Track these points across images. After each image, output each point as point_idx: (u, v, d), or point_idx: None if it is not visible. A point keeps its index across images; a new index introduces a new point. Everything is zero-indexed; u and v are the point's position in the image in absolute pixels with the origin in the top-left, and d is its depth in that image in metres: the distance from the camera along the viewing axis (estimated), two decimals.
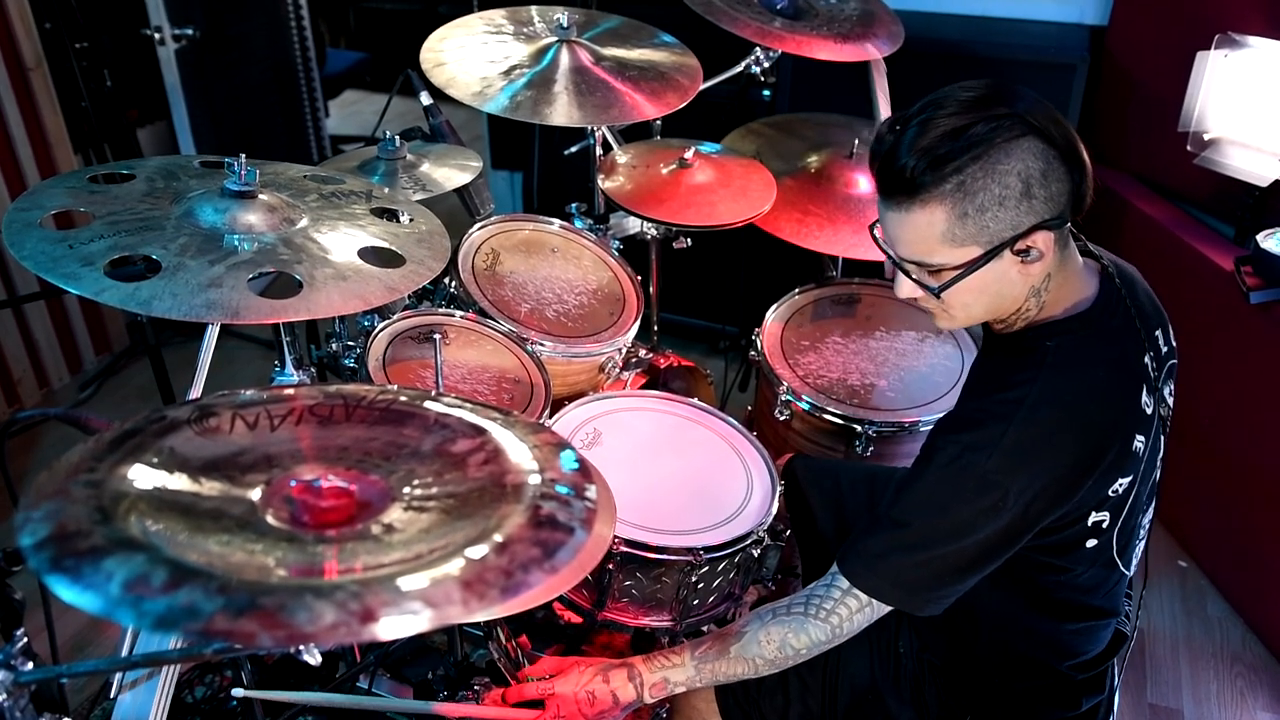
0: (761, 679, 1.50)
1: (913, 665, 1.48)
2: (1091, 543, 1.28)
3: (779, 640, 1.30)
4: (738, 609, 2.03)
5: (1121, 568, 1.34)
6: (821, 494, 1.82)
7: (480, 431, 1.07)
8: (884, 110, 1.96)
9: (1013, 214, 1.16)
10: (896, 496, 1.26)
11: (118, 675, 1.34)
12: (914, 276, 1.25)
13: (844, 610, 1.26)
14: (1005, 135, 1.13)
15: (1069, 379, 1.21)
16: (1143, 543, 1.40)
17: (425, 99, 2.18)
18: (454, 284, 2.01)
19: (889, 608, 1.26)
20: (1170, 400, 1.33)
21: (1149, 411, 1.25)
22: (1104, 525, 1.27)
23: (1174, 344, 1.35)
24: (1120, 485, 1.24)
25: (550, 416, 1.85)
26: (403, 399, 1.12)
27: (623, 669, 1.37)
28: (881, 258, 2.17)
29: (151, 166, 1.51)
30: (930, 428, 1.93)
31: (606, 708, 1.36)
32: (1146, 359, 1.26)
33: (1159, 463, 1.34)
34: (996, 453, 1.18)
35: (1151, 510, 1.38)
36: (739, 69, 2.40)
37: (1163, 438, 1.33)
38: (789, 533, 1.82)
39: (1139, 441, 1.24)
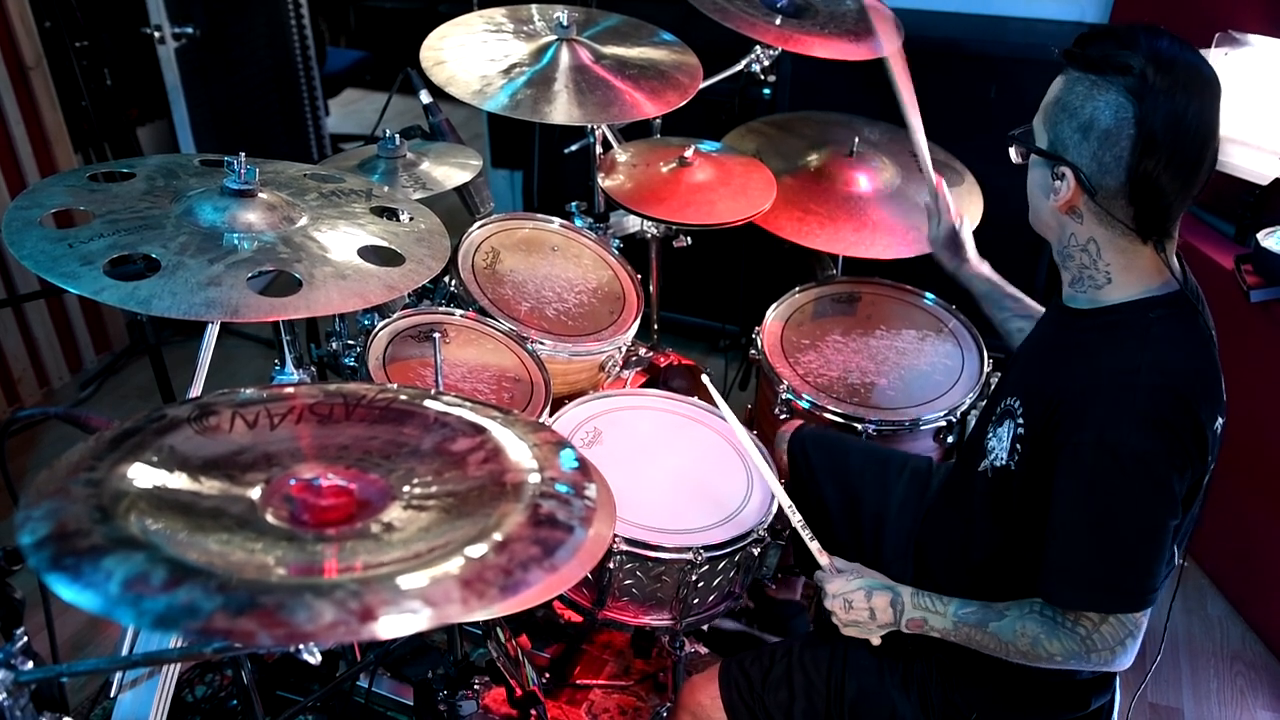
0: (766, 674, 1.51)
1: (920, 664, 1.48)
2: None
3: (1032, 637, 1.29)
4: (738, 608, 2.03)
5: (1177, 558, 1.34)
6: (830, 467, 1.79)
7: (480, 430, 1.07)
8: (909, 102, 1.93)
9: (1067, 133, 1.23)
10: (1056, 515, 1.25)
11: (118, 674, 1.34)
12: (1024, 136, 1.33)
13: (1087, 623, 1.25)
14: (1120, 80, 1.18)
15: (1176, 348, 1.23)
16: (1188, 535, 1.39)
17: (425, 97, 2.18)
18: (454, 282, 2.01)
19: (1132, 613, 1.23)
20: None
21: (1224, 399, 1.28)
22: (1190, 511, 1.28)
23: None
24: (1206, 468, 1.25)
25: (550, 415, 1.85)
26: (402, 398, 1.12)
27: (888, 593, 1.42)
28: (880, 257, 2.18)
29: (151, 165, 1.50)
30: (931, 426, 1.95)
31: (862, 620, 1.43)
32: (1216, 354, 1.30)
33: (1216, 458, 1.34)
34: (1133, 426, 1.18)
35: (1203, 504, 1.37)
36: (739, 67, 2.40)
37: None
38: (789, 531, 1.81)
39: (1219, 424, 1.26)
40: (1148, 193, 1.20)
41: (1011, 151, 1.35)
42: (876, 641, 1.45)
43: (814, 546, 1.54)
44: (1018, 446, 1.31)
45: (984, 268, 1.79)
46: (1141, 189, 1.20)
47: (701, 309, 3.34)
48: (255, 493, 0.92)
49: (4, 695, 0.91)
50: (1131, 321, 1.26)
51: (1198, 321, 1.26)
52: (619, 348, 2.09)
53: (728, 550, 1.62)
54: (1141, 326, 1.25)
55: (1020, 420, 1.31)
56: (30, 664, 0.94)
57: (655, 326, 2.58)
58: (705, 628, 2.06)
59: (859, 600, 1.43)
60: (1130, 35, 1.20)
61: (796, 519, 1.56)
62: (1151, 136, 1.16)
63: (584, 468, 1.03)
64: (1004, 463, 1.34)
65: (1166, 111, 1.16)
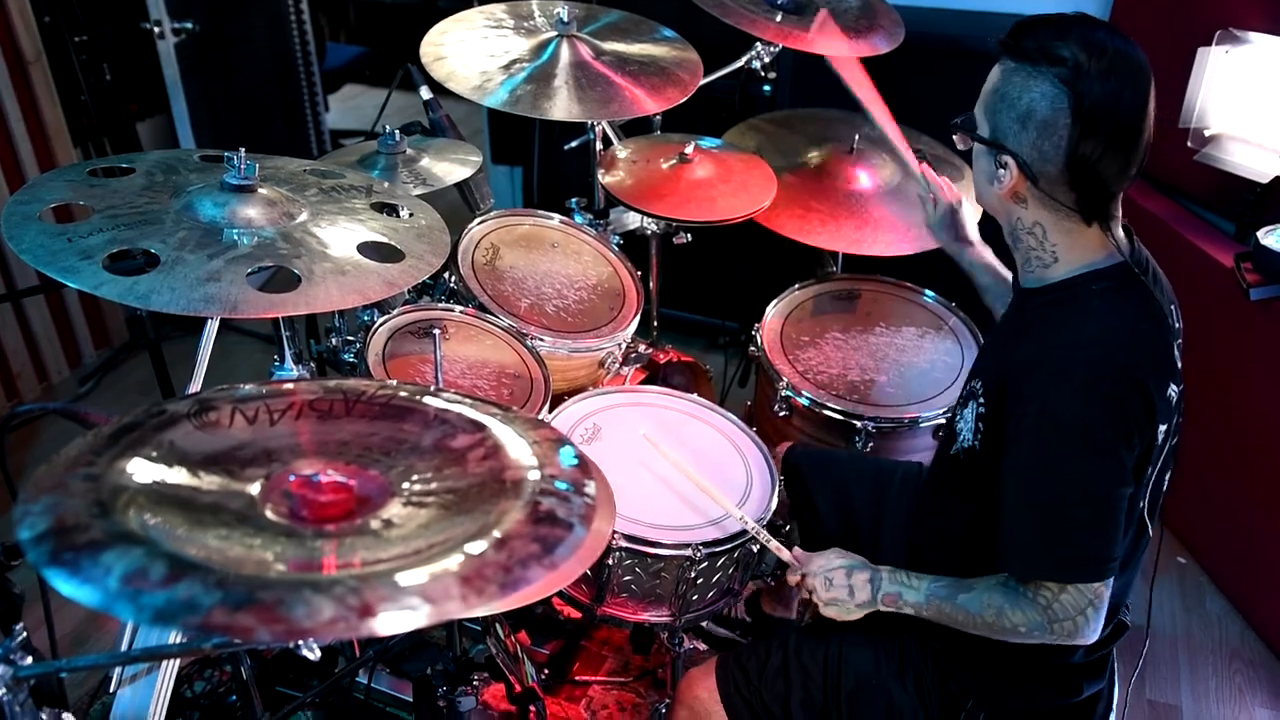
0: (763, 666, 1.51)
1: (916, 652, 1.49)
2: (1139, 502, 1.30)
3: (997, 609, 1.30)
4: (737, 604, 2.03)
5: (1150, 530, 1.36)
6: (823, 482, 1.81)
7: (480, 427, 1.07)
8: (872, 103, 1.97)
9: (1006, 123, 1.27)
10: (1006, 486, 1.28)
11: (117, 670, 1.35)
12: (966, 122, 1.35)
13: (1047, 593, 1.26)
14: (1054, 71, 1.20)
15: (1118, 318, 1.26)
16: (1159, 504, 1.41)
17: (425, 93, 2.18)
18: (454, 279, 2.00)
19: (1090, 583, 1.24)
20: None
21: (1179, 366, 1.31)
22: (1145, 477, 1.29)
23: (1180, 325, 1.39)
24: (1161, 432, 1.27)
25: (550, 412, 1.85)
26: (402, 394, 1.12)
27: (866, 571, 1.44)
28: (881, 254, 2.18)
29: (151, 160, 1.50)
30: (930, 423, 1.95)
31: (841, 598, 1.44)
32: (1171, 321, 1.32)
33: (1179, 427, 1.36)
34: (1073, 396, 1.21)
35: (1170, 472, 1.39)
36: (739, 64, 2.40)
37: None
38: (788, 528, 1.82)
39: (1173, 390, 1.28)
40: (1088, 177, 1.24)
41: (956, 139, 1.37)
42: (855, 617, 1.46)
43: (773, 545, 1.55)
44: (980, 425, 1.35)
45: (987, 254, 1.78)
46: (1081, 174, 1.24)
47: (701, 306, 3.34)
48: (255, 488, 0.92)
49: (3, 690, 0.91)
50: (1075, 295, 1.30)
51: (1144, 291, 1.29)
52: (619, 344, 2.09)
53: (727, 547, 1.62)
54: (1084, 299, 1.28)
55: (981, 399, 1.35)
56: (29, 659, 0.94)
57: (655, 323, 2.58)
58: (704, 624, 2.07)
59: (839, 578, 1.44)
60: (1064, 25, 1.23)
61: (751, 526, 1.57)
62: (1087, 124, 1.20)
63: (583, 465, 1.03)
64: (970, 443, 1.37)
65: (1100, 99, 1.19)
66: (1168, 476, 1.39)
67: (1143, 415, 1.22)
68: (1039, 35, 1.24)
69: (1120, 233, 1.32)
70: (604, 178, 2.21)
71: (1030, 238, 1.33)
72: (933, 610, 1.38)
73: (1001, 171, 1.29)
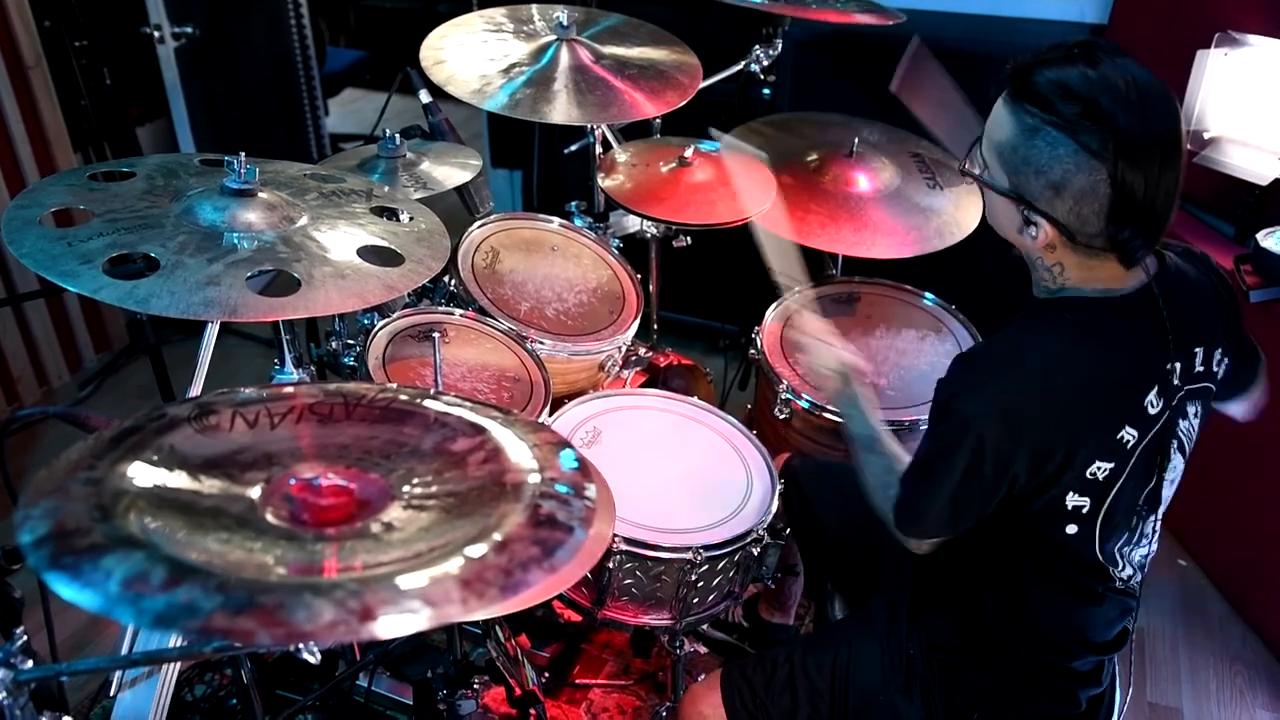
0: (769, 680, 1.51)
1: (922, 665, 1.48)
2: (1072, 529, 1.28)
3: (884, 487, 1.41)
4: (737, 607, 2.03)
5: (1104, 562, 1.32)
6: (823, 491, 1.81)
7: (480, 430, 1.07)
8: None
9: (1037, 188, 1.20)
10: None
11: (117, 673, 1.35)
12: (972, 160, 1.32)
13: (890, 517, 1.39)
14: (1086, 143, 1.14)
15: (1075, 345, 1.24)
16: (1145, 550, 1.38)
17: (425, 97, 2.18)
18: (453, 282, 2.00)
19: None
20: (1195, 422, 1.33)
21: (1151, 412, 1.26)
22: (1084, 511, 1.27)
23: (1219, 371, 1.34)
24: (1100, 471, 1.24)
25: (550, 415, 1.85)
26: (402, 397, 1.12)
27: (841, 381, 1.58)
28: (880, 256, 2.18)
29: (151, 164, 1.50)
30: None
31: (819, 375, 1.63)
32: (1171, 365, 1.26)
33: (1167, 476, 1.32)
34: (978, 400, 1.25)
35: (1155, 521, 1.36)
36: (739, 67, 2.40)
37: (1179, 455, 1.33)
38: (789, 531, 1.81)
39: (1128, 433, 1.24)
40: (1130, 236, 1.19)
41: (964, 172, 1.34)
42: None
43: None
44: None
45: None
46: (1124, 235, 1.18)
47: (701, 309, 3.34)
48: (255, 492, 0.92)
49: (4, 694, 0.91)
50: (1052, 314, 1.29)
51: (1139, 323, 1.25)
52: (618, 347, 2.09)
53: (727, 550, 1.62)
54: (1055, 322, 1.27)
55: None
56: (29, 663, 0.94)
57: (655, 326, 2.58)
58: (704, 627, 2.07)
59: (831, 384, 1.59)
60: (1082, 77, 1.15)
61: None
62: (1127, 191, 1.15)
63: (583, 468, 1.03)
64: None
65: (1137, 160, 1.13)
66: (1149, 526, 1.36)
67: (1049, 443, 1.21)
68: (1052, 87, 1.16)
69: (1149, 260, 1.27)
70: (604, 181, 2.21)
71: (1048, 273, 1.29)
72: (860, 453, 1.48)
73: (1033, 229, 1.23)
